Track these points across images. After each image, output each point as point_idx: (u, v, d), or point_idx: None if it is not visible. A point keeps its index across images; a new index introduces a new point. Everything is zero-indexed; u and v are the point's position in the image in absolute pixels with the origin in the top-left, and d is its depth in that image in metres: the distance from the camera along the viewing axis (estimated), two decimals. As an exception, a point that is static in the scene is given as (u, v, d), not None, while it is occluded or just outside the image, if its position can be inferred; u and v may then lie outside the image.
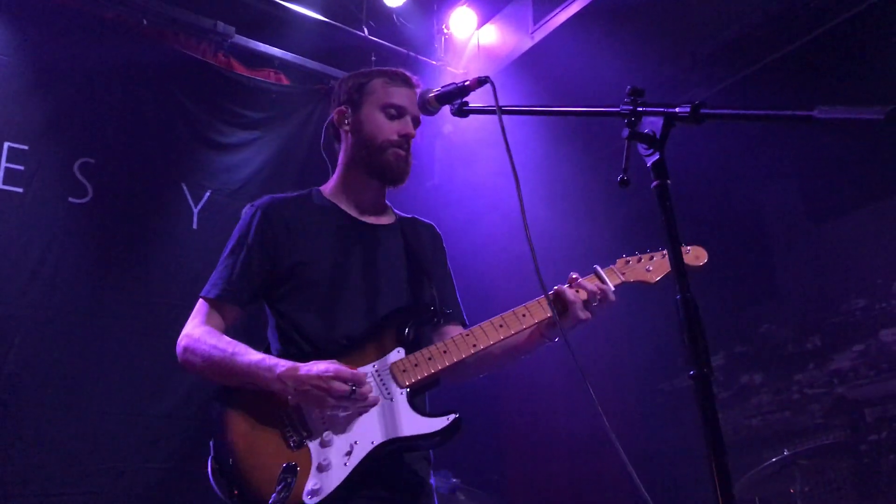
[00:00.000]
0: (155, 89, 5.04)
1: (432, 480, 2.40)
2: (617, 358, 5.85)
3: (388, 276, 2.49)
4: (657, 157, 1.51)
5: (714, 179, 5.46)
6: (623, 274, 2.52)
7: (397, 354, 2.31)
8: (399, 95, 2.54)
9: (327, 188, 2.65)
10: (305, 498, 2.08)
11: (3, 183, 4.36)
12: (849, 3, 4.90)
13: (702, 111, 1.47)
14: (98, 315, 4.46)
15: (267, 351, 2.43)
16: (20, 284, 4.27)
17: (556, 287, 2.39)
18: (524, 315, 2.38)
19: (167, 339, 4.54)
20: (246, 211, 2.57)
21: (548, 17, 5.40)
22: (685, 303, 1.42)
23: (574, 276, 2.42)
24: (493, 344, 2.36)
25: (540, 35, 5.48)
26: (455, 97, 2.17)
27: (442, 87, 2.21)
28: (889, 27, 4.78)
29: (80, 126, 4.71)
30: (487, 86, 2.10)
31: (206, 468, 4.28)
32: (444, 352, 2.32)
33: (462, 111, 2.16)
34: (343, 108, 2.60)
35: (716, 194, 5.54)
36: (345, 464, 2.14)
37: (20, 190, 4.41)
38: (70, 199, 4.56)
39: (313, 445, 2.17)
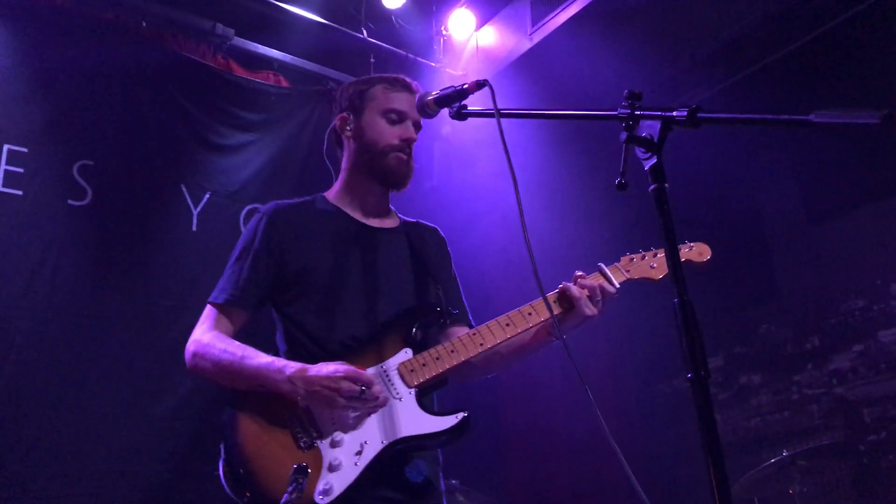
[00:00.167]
0: (154, 91, 5.04)
1: (442, 484, 2.42)
2: (616, 358, 5.86)
3: (394, 278, 2.52)
4: (655, 160, 1.52)
5: (713, 180, 5.47)
6: (627, 271, 2.56)
7: (405, 355, 2.33)
8: (399, 101, 2.57)
9: (331, 193, 2.67)
10: (317, 498, 2.09)
11: (3, 185, 4.36)
12: (848, 4, 4.91)
13: (699, 115, 1.48)
14: (98, 317, 4.47)
15: (275, 355, 2.44)
16: (20, 286, 4.27)
17: (562, 284, 2.43)
18: (530, 314, 2.40)
19: (167, 340, 4.60)
20: (252, 217, 2.60)
21: (546, 19, 5.40)
22: (682, 306, 1.42)
23: (579, 275, 2.46)
24: (500, 343, 2.38)
25: (539, 36, 5.48)
26: (454, 100, 2.18)
27: (440, 91, 2.22)
28: (888, 28, 4.79)
29: (79, 128, 4.71)
30: (486, 88, 2.12)
31: (208, 469, 4.28)
32: (452, 351, 2.34)
33: (461, 114, 2.17)
34: (345, 114, 2.63)
35: (715, 195, 5.55)
36: (355, 463, 2.16)
37: (20, 192, 4.41)
38: (69, 202, 4.57)
39: (323, 446, 2.19)
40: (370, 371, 2.27)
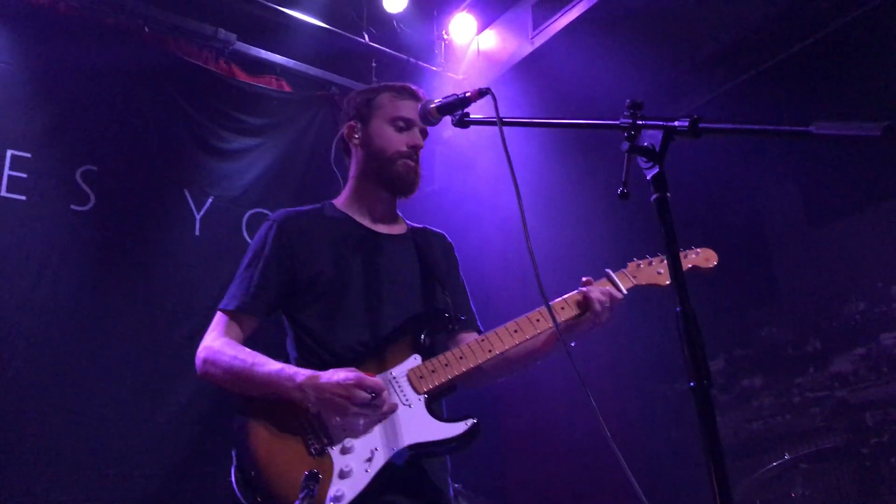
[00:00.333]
0: (157, 96, 5.06)
1: (451, 490, 2.43)
2: (617, 361, 5.86)
3: (403, 284, 2.54)
4: (657, 170, 1.53)
5: (714, 183, 5.47)
6: (635, 277, 2.59)
7: (414, 361, 2.35)
8: (406, 108, 2.60)
9: (340, 201, 2.69)
10: None
11: (6, 191, 4.37)
12: (847, 8, 4.92)
13: (700, 125, 1.48)
14: (100, 321, 4.47)
15: (286, 361, 2.47)
16: (23, 291, 4.28)
17: (582, 288, 2.46)
18: (538, 320, 2.42)
19: (170, 344, 4.62)
20: (262, 224, 2.62)
21: (547, 23, 5.41)
22: (684, 315, 1.43)
23: (586, 281, 2.49)
24: (509, 349, 2.40)
25: (540, 40, 5.49)
26: (456, 108, 2.19)
27: (443, 99, 2.23)
28: (887, 32, 4.80)
29: (82, 133, 4.72)
30: (488, 94, 2.13)
31: (210, 472, 4.31)
32: (461, 357, 2.36)
33: (463, 122, 2.18)
34: (353, 122, 2.66)
35: (715, 197, 5.55)
36: (366, 470, 2.17)
37: (23, 198, 4.41)
38: (72, 207, 4.57)
39: (334, 452, 2.20)
40: (380, 377, 2.29)
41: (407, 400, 2.28)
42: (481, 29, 6.04)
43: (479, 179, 5.77)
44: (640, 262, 2.63)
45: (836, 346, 4.93)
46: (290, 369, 2.27)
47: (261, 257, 2.51)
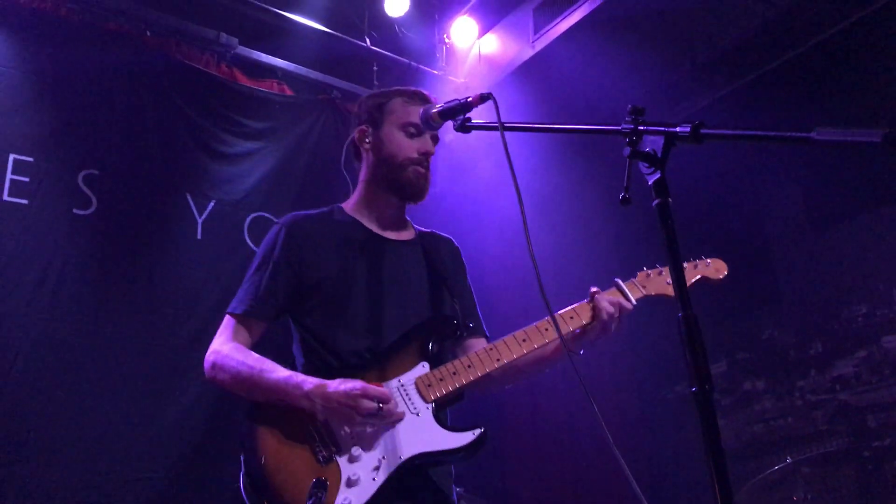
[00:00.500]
0: (158, 100, 5.06)
1: (454, 495, 2.44)
2: (620, 365, 5.86)
3: (411, 290, 2.54)
4: (658, 175, 1.53)
5: (717, 187, 5.48)
6: (644, 287, 2.56)
7: (422, 369, 2.35)
8: (418, 114, 2.53)
9: (349, 205, 2.69)
10: None
11: (9, 195, 4.37)
12: (847, 12, 4.92)
13: (702, 131, 1.49)
14: (103, 325, 4.47)
15: (292, 366, 2.47)
16: (25, 295, 4.28)
17: (591, 298, 2.45)
18: (546, 329, 2.42)
19: (172, 347, 4.62)
20: (271, 228, 2.61)
21: (549, 27, 5.42)
22: (686, 320, 1.43)
23: (594, 291, 2.47)
24: (517, 358, 2.40)
25: (541, 44, 5.50)
26: (458, 113, 2.19)
27: (445, 104, 2.24)
28: (886, 36, 4.81)
29: (84, 137, 4.72)
30: (490, 99, 2.13)
31: (213, 475, 4.31)
32: (469, 366, 2.36)
33: (465, 127, 2.18)
34: (364, 127, 2.64)
35: (718, 201, 5.56)
36: (373, 479, 2.17)
37: (25, 202, 4.41)
38: (74, 211, 4.58)
39: (342, 460, 2.21)
40: (388, 385, 2.30)
41: (415, 408, 2.28)
42: (482, 33, 6.05)
43: (480, 184, 5.77)
44: (650, 271, 2.61)
45: (838, 349, 4.93)
46: (297, 377, 2.27)
47: (270, 261, 2.50)
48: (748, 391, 5.41)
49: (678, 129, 1.52)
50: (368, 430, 2.23)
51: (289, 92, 5.67)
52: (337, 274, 2.47)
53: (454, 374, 2.34)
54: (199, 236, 4.99)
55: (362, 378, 2.28)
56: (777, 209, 5.48)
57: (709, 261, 2.65)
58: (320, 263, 2.48)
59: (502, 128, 2.00)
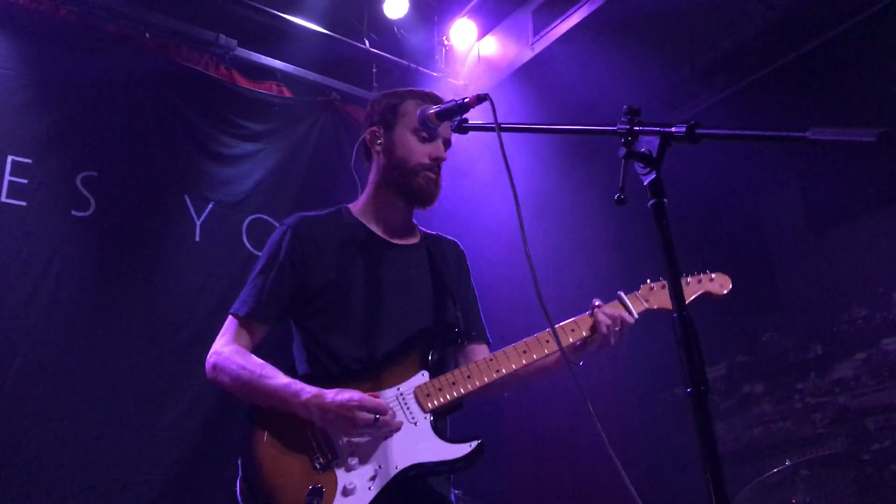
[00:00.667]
0: (157, 102, 5.06)
1: (452, 496, 2.43)
2: (618, 368, 5.85)
3: (414, 296, 2.52)
4: (654, 175, 1.53)
5: (716, 190, 5.48)
6: (647, 301, 2.54)
7: (421, 378, 2.34)
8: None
9: (356, 207, 2.66)
10: None
11: (7, 196, 4.38)
12: (847, 15, 4.93)
13: (697, 131, 1.48)
14: (101, 327, 4.47)
15: (292, 367, 2.48)
16: (23, 297, 4.28)
17: (591, 312, 2.44)
18: (548, 341, 2.41)
19: (170, 350, 4.62)
20: (277, 229, 2.59)
21: (548, 29, 5.43)
22: (682, 321, 1.43)
23: (597, 304, 2.46)
24: (517, 370, 2.39)
25: (540, 46, 5.50)
26: (455, 114, 2.18)
27: (442, 105, 2.24)
28: (886, 38, 4.81)
29: (82, 139, 4.73)
30: (487, 100, 2.12)
31: (211, 478, 4.30)
32: (468, 377, 2.35)
33: (462, 128, 2.18)
34: (375, 128, 2.60)
35: (718, 204, 5.56)
36: (369, 488, 2.18)
37: (23, 203, 4.42)
38: (73, 212, 4.58)
39: (339, 469, 2.21)
40: (387, 393, 2.29)
41: (413, 418, 2.28)
42: (482, 35, 6.05)
43: (477, 186, 5.77)
44: (654, 284, 2.58)
45: (838, 352, 4.93)
46: (296, 385, 2.26)
47: (274, 264, 2.48)
48: (747, 394, 5.40)
49: (673, 129, 1.52)
50: (366, 439, 2.22)
51: (288, 94, 5.67)
52: (338, 278, 2.45)
53: (453, 384, 2.33)
54: (197, 238, 4.99)
55: (361, 385, 2.28)
56: (776, 212, 5.48)
57: (713, 275, 2.63)
58: (324, 267, 2.47)
59: (499, 129, 1.99)
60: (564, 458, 5.71)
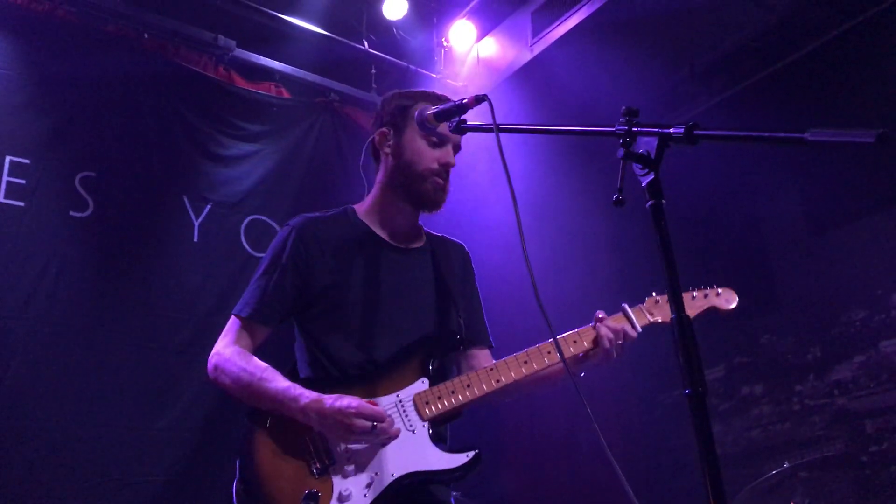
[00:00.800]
0: (156, 102, 5.06)
1: (451, 499, 2.43)
2: (616, 370, 5.84)
3: (416, 302, 2.51)
4: (652, 176, 1.52)
5: (715, 192, 5.48)
6: (651, 314, 2.51)
7: (421, 385, 2.34)
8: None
9: (362, 208, 2.64)
10: None
11: (5, 197, 4.37)
12: (845, 18, 4.93)
13: (696, 132, 1.48)
14: (99, 327, 4.46)
15: (293, 369, 2.47)
16: (21, 298, 4.27)
17: (594, 325, 2.42)
18: (549, 352, 2.39)
19: (168, 351, 4.61)
20: (282, 230, 2.58)
21: (547, 30, 5.42)
22: (680, 322, 1.43)
23: (601, 316, 2.44)
24: (517, 380, 2.38)
25: (539, 48, 5.50)
26: (453, 115, 2.17)
27: (440, 105, 2.22)
28: (885, 40, 4.81)
29: (81, 140, 4.72)
30: (485, 101, 2.11)
31: (208, 479, 4.30)
32: (468, 385, 2.34)
33: (460, 129, 2.17)
34: (385, 129, 2.57)
35: (717, 206, 5.56)
36: (364, 495, 2.18)
37: (22, 204, 4.41)
38: (71, 213, 4.57)
39: (336, 475, 2.21)
40: (386, 399, 2.29)
41: (411, 425, 2.27)
42: (481, 36, 6.05)
43: (473, 187, 5.77)
44: (659, 297, 2.54)
45: (836, 353, 4.93)
46: (295, 390, 2.25)
47: (277, 265, 2.47)
48: (746, 396, 5.40)
49: (672, 130, 1.51)
50: (363, 446, 2.22)
51: (286, 95, 5.67)
52: (342, 282, 2.44)
53: (452, 392, 2.32)
54: (195, 239, 4.98)
55: (361, 390, 2.27)
56: (775, 213, 5.48)
57: (720, 290, 2.60)
58: (327, 270, 2.45)
59: (497, 129, 1.98)
60: (564, 460, 5.71)
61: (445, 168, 2.50)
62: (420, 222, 2.67)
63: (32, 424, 4.13)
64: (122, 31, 5.01)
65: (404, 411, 2.29)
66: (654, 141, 1.53)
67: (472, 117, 2.21)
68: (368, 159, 2.69)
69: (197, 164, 5.13)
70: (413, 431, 2.27)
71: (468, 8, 5.98)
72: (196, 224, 5.00)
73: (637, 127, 1.58)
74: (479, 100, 2.11)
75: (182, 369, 4.62)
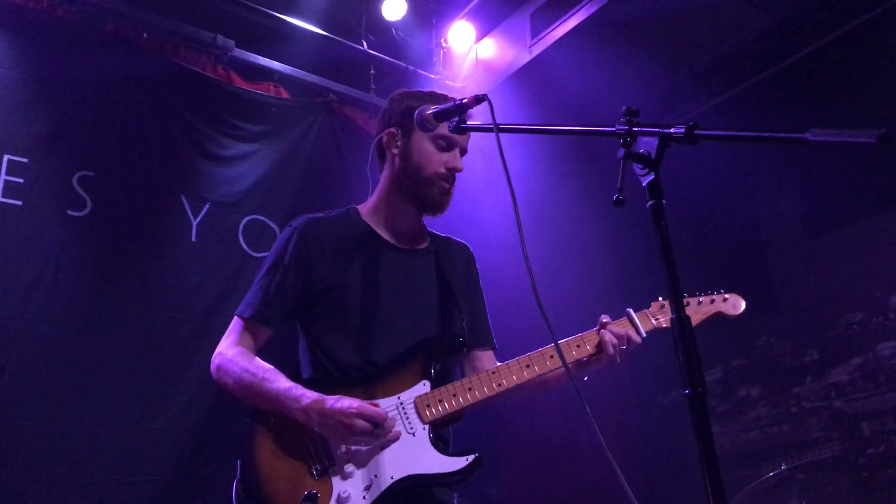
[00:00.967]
0: (154, 102, 5.05)
1: (454, 501, 2.43)
2: (616, 372, 5.85)
3: (419, 303, 2.50)
4: (652, 176, 1.52)
5: (713, 193, 5.48)
6: (656, 319, 2.49)
7: (423, 387, 2.33)
8: (448, 126, 2.42)
9: (365, 209, 2.62)
10: None
11: (3, 196, 4.36)
12: (844, 20, 4.94)
13: (696, 132, 1.48)
14: (97, 327, 4.46)
15: (296, 369, 2.47)
16: (19, 297, 4.26)
17: (598, 330, 2.40)
18: (552, 356, 2.37)
19: (166, 351, 4.61)
20: (284, 230, 2.57)
21: (546, 32, 5.42)
22: (679, 322, 1.43)
23: (605, 321, 2.42)
24: (519, 383, 2.37)
25: (538, 49, 5.50)
26: (453, 115, 2.16)
27: (440, 105, 2.21)
28: (884, 42, 4.82)
29: (79, 139, 4.71)
30: (485, 102, 2.10)
31: (206, 479, 4.30)
32: (469, 389, 2.33)
33: (459, 129, 2.17)
34: (393, 130, 2.54)
35: (715, 208, 5.56)
36: (363, 497, 2.18)
37: (19, 203, 4.40)
38: (69, 212, 4.56)
39: (335, 476, 2.21)
40: (387, 402, 2.28)
41: (411, 428, 2.27)
42: (480, 37, 6.05)
43: (471, 188, 5.77)
44: (664, 301, 2.52)
45: (834, 356, 4.93)
46: (297, 390, 2.25)
47: (279, 266, 2.46)
48: (743, 398, 5.39)
49: (672, 130, 1.51)
50: (363, 447, 2.22)
51: (285, 95, 5.66)
52: (344, 283, 2.44)
53: (454, 395, 2.32)
54: (193, 239, 4.98)
55: (362, 392, 2.27)
56: (773, 216, 5.48)
57: (726, 295, 2.59)
58: (329, 271, 2.45)
59: (497, 129, 1.98)
60: (563, 461, 5.71)
61: (452, 172, 2.49)
62: (423, 222, 2.67)
63: (30, 424, 4.12)
64: (122, 30, 5.00)
65: (405, 413, 2.29)
66: (655, 141, 1.53)
67: (472, 116, 2.20)
68: (374, 160, 2.67)
69: (195, 163, 5.13)
70: (413, 434, 2.26)
71: (467, 9, 5.98)
72: (194, 224, 5.00)
73: (638, 127, 1.58)
74: (478, 100, 2.10)
75: (180, 369, 4.62)
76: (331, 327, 2.43)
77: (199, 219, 5.02)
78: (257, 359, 2.39)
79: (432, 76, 6.08)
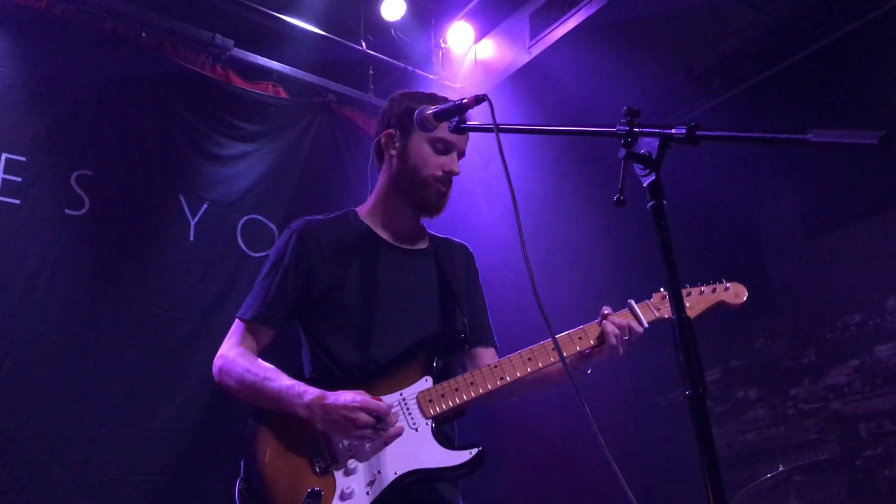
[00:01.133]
0: (153, 101, 5.04)
1: (459, 500, 2.42)
2: (615, 372, 5.85)
3: (420, 302, 2.51)
4: (653, 177, 1.52)
5: (710, 194, 5.48)
6: (658, 310, 2.49)
7: (425, 383, 2.33)
8: (447, 129, 2.41)
9: (364, 210, 2.64)
10: None
11: (1, 194, 4.35)
12: (845, 20, 4.95)
13: (697, 133, 1.48)
14: (94, 327, 4.45)
15: (299, 371, 2.47)
16: (16, 295, 4.25)
17: (599, 321, 2.40)
18: (554, 349, 2.37)
19: (164, 350, 4.60)
20: (283, 233, 2.59)
21: (545, 32, 5.43)
22: (680, 322, 1.43)
23: (606, 312, 2.42)
24: (521, 377, 2.37)
25: (537, 50, 5.50)
26: (452, 115, 2.16)
27: (440, 105, 2.22)
28: (884, 43, 4.83)
29: (77, 138, 4.70)
30: (485, 103, 2.10)
31: (204, 479, 4.30)
32: (471, 383, 2.33)
33: (459, 129, 2.17)
34: (392, 131, 2.56)
35: (713, 209, 5.56)
36: (367, 493, 2.18)
37: (17, 201, 4.39)
38: (67, 211, 4.55)
39: (338, 473, 2.21)
40: (389, 398, 2.29)
41: (414, 423, 2.27)
42: (479, 38, 6.05)
43: (470, 189, 5.77)
44: (666, 292, 2.53)
45: (831, 357, 4.93)
46: (299, 387, 2.26)
47: (279, 268, 2.47)
48: (741, 399, 5.40)
49: (673, 130, 1.51)
50: (366, 443, 2.22)
51: (284, 94, 5.65)
52: (345, 284, 2.45)
53: (456, 390, 2.32)
54: (191, 238, 4.97)
55: (365, 390, 2.27)
56: (771, 217, 5.49)
57: (728, 285, 2.60)
58: (329, 272, 2.46)
59: (497, 129, 1.98)
60: (563, 461, 5.71)
61: (449, 176, 2.50)
62: (422, 223, 2.67)
63: (28, 423, 4.11)
64: (120, 29, 4.99)
65: (408, 409, 2.29)
66: (656, 141, 1.53)
67: (471, 118, 2.20)
68: (374, 161, 2.68)
69: (194, 163, 5.12)
70: (416, 430, 2.26)
71: (466, 9, 5.98)
72: (192, 223, 4.99)
73: (639, 127, 1.58)
74: (478, 100, 2.10)
75: (179, 368, 4.61)
76: (332, 328, 2.43)
77: (197, 218, 5.01)
78: (259, 359, 2.40)
79: (431, 76, 6.08)
